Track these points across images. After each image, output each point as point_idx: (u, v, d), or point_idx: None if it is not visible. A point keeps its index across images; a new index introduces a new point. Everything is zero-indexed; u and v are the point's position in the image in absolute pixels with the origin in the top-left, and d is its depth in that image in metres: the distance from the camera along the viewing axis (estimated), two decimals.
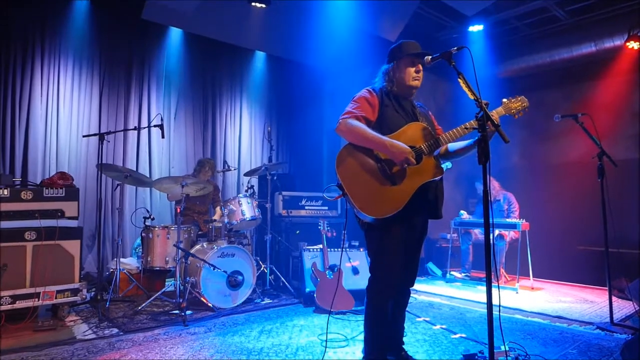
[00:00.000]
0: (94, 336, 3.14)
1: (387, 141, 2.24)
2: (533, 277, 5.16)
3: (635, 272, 4.29)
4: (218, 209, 5.03)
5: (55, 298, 3.43)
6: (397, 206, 2.22)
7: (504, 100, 2.39)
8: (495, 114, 2.32)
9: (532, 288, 5.08)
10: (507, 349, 2.56)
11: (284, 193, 5.33)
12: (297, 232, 5.27)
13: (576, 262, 5.77)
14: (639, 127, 5.93)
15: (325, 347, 2.91)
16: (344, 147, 2.34)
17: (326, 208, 5.53)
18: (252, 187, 4.89)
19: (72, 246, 3.58)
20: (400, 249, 2.36)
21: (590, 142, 3.62)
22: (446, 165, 4.21)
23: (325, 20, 5.65)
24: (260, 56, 6.70)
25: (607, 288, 3.62)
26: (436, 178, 2.32)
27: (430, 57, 2.35)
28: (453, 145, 2.46)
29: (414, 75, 2.45)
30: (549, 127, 6.34)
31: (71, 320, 3.51)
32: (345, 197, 2.27)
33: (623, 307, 4.15)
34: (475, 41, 6.44)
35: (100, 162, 3.94)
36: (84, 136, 4.92)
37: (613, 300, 3.59)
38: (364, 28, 5.85)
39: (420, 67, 2.46)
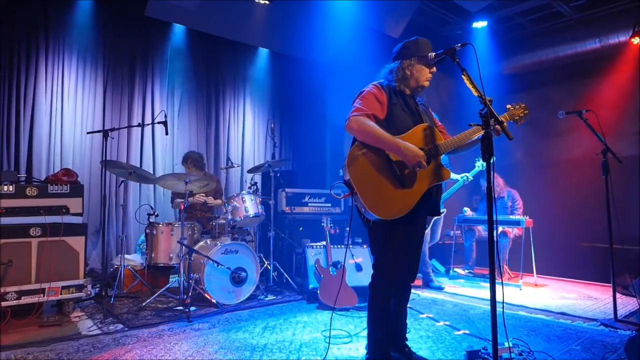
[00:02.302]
0: (98, 332, 3.16)
1: (401, 144, 2.22)
2: (536, 273, 5.15)
3: (639, 268, 4.28)
4: (218, 200, 5.03)
5: (60, 294, 3.45)
6: (406, 208, 2.23)
7: (508, 106, 2.43)
8: (503, 119, 2.35)
9: (536, 285, 5.07)
10: (510, 345, 2.56)
11: (287, 190, 5.34)
12: (301, 228, 5.28)
13: (580, 259, 5.76)
14: None
15: (329, 343, 2.91)
16: (355, 146, 2.29)
17: (329, 205, 5.53)
18: (255, 183, 4.89)
19: (77, 242, 3.60)
20: (404, 248, 2.37)
21: (594, 139, 3.61)
22: (465, 176, 4.25)
23: (329, 16, 5.64)
24: (263, 53, 6.69)
25: (611, 284, 3.61)
26: (444, 181, 2.34)
27: (434, 53, 2.36)
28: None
29: (428, 76, 2.46)
30: (553, 124, 6.32)
31: (76, 316, 3.54)
32: (354, 196, 2.24)
33: (627, 304, 4.14)
34: (479, 37, 6.42)
35: (104, 158, 3.95)
36: (88, 133, 4.92)
37: (617, 297, 3.59)
38: (367, 24, 5.84)
39: (435, 69, 2.46)
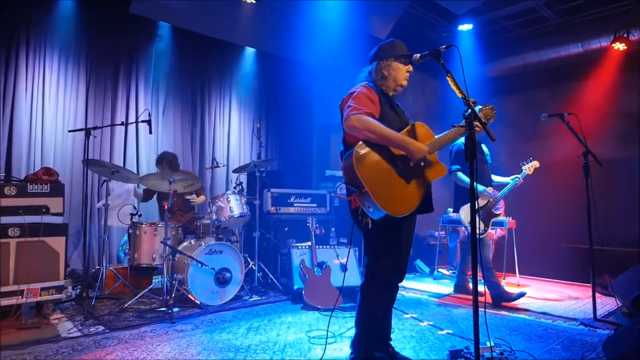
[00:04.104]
0: (79, 334, 3.10)
1: (407, 139, 2.25)
2: (519, 274, 5.22)
3: (618, 269, 4.36)
4: (202, 196, 4.98)
5: (40, 295, 3.38)
6: (414, 205, 2.27)
7: (480, 106, 2.49)
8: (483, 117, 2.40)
9: (518, 285, 5.13)
10: (492, 344, 2.58)
11: (272, 190, 5.32)
12: (286, 229, 5.26)
13: (561, 260, 5.85)
14: (624, 127, 6.03)
15: (325, 344, 2.91)
16: (358, 145, 2.24)
17: (315, 205, 5.52)
18: (240, 183, 4.86)
19: (57, 243, 3.53)
20: (400, 247, 2.40)
21: (576, 142, 3.67)
22: (516, 177, 4.30)
23: (316, 17, 5.64)
24: (250, 52, 6.66)
25: (591, 285, 3.67)
26: (443, 175, 2.38)
27: (419, 55, 2.38)
28: None
29: (405, 75, 2.49)
30: (536, 126, 6.42)
31: (56, 318, 3.47)
32: (361, 195, 2.20)
33: (606, 304, 4.22)
34: (465, 40, 6.49)
35: (86, 157, 3.88)
36: (69, 131, 4.84)
37: (596, 297, 3.65)
38: (355, 25, 5.85)
39: (411, 68, 2.49)
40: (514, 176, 4.53)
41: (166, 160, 4.72)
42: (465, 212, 4.27)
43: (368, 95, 2.36)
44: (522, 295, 4.09)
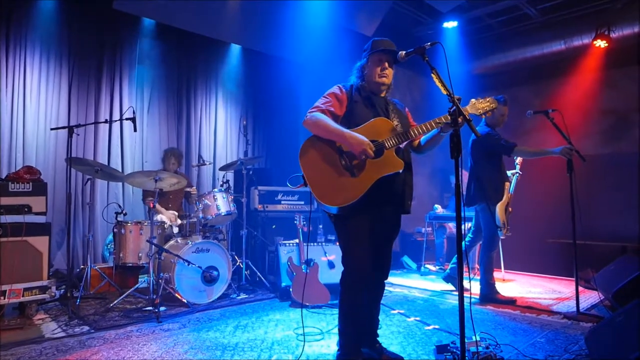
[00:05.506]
0: (63, 334, 3.06)
1: (346, 133, 2.30)
2: (504, 269, 5.29)
3: (601, 263, 4.45)
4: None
5: (23, 296, 3.32)
6: (354, 196, 2.26)
7: (472, 100, 2.45)
8: (465, 111, 2.38)
9: (504, 280, 5.20)
10: (478, 339, 2.61)
11: (259, 187, 5.30)
12: (273, 226, 5.25)
13: (546, 254, 5.94)
14: (606, 123, 6.14)
15: (304, 341, 2.91)
16: (307, 139, 2.40)
17: (302, 202, 5.52)
18: (227, 181, 4.83)
19: (40, 242, 3.47)
20: (367, 239, 2.39)
21: (560, 138, 3.72)
22: (518, 173, 4.23)
23: (302, 14, 5.62)
24: (235, 49, 6.61)
25: (574, 279, 3.74)
26: (394, 172, 2.32)
27: (404, 52, 2.38)
28: (423, 137, 2.51)
29: (379, 72, 2.51)
30: (521, 123, 6.50)
31: (39, 319, 3.41)
32: (308, 187, 2.33)
33: (589, 297, 4.30)
34: (450, 37, 6.53)
35: (69, 155, 3.82)
36: (52, 129, 4.75)
37: (580, 291, 3.72)
38: (341, 23, 5.85)
39: (386, 65, 2.50)
40: (513, 171, 4.59)
41: (174, 155, 4.86)
42: (502, 209, 3.99)
43: (336, 95, 2.48)
44: (511, 302, 4.03)
